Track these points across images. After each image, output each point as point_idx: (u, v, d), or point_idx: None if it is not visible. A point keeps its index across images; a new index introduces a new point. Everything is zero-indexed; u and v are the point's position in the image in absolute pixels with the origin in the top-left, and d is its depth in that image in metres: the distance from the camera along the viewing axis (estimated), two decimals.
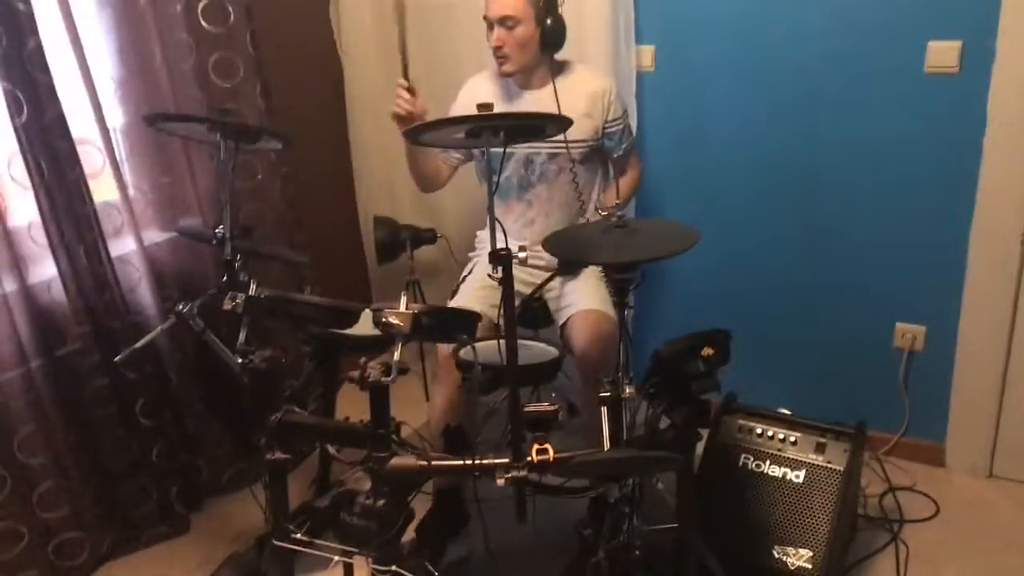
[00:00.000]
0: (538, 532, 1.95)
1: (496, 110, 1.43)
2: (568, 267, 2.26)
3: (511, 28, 2.10)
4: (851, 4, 2.26)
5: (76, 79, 2.13)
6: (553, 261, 2.19)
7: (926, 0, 2.16)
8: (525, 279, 2.27)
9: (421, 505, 1.62)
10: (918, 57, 2.21)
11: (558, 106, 2.16)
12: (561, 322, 2.22)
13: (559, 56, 2.23)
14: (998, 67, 2.11)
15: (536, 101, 2.21)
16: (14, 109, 1.96)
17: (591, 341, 2.07)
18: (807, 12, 2.32)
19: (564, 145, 2.19)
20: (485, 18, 2.14)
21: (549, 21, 2.12)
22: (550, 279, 2.20)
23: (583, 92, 2.21)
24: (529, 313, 2.34)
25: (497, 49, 2.14)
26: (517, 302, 2.30)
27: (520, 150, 2.22)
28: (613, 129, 2.26)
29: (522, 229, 2.27)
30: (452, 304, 2.22)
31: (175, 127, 2.11)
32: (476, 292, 2.22)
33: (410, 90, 2.12)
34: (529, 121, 1.66)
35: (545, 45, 2.15)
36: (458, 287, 2.32)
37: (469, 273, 2.35)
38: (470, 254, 2.50)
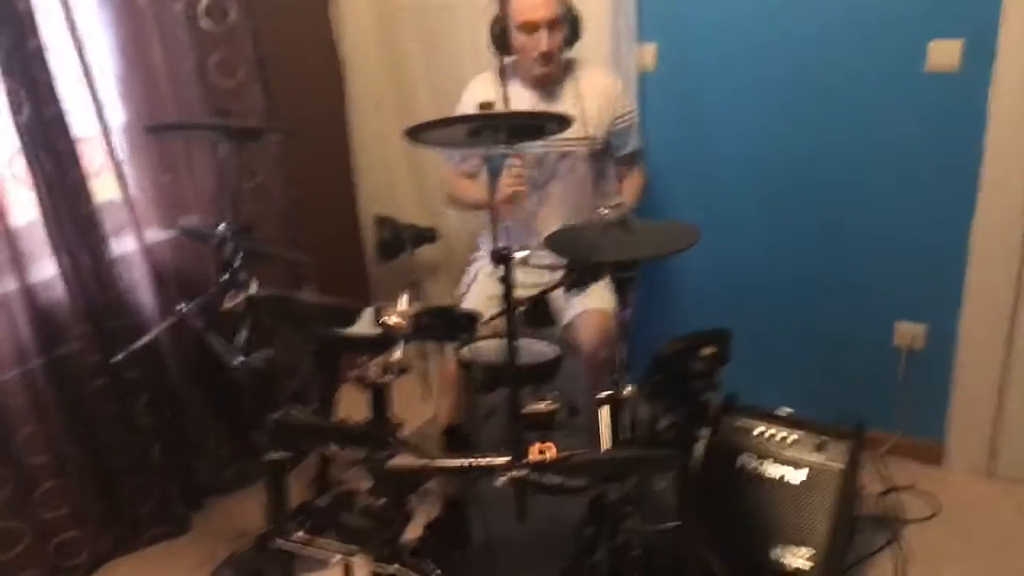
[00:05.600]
0: (538, 532, 1.95)
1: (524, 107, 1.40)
2: (576, 284, 2.24)
3: (556, 29, 2.06)
4: (852, 4, 2.26)
5: (77, 78, 2.12)
6: (558, 260, 2.19)
7: (926, 0, 2.16)
8: (531, 283, 2.26)
9: (421, 508, 1.62)
10: (918, 57, 2.20)
11: (580, 105, 2.14)
12: (565, 321, 2.21)
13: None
14: (999, 66, 2.11)
15: (560, 100, 2.19)
16: (15, 108, 1.96)
17: (597, 341, 2.07)
18: (808, 12, 2.32)
19: (574, 143, 2.18)
20: (526, 23, 2.06)
21: (573, 13, 2.10)
22: (555, 288, 2.16)
23: (596, 89, 2.21)
24: (530, 312, 2.34)
25: (547, 55, 2.07)
26: (522, 310, 2.29)
27: (533, 149, 2.22)
28: (621, 125, 2.26)
29: (535, 228, 2.27)
30: None
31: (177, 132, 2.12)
32: (484, 303, 2.16)
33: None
34: (529, 121, 1.66)
35: (567, 42, 2.14)
36: (463, 296, 2.28)
37: (473, 281, 2.30)
38: (473, 255, 2.49)
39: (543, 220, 2.27)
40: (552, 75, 2.16)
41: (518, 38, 2.11)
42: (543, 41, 2.06)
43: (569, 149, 2.21)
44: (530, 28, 2.07)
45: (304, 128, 2.11)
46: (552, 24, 2.05)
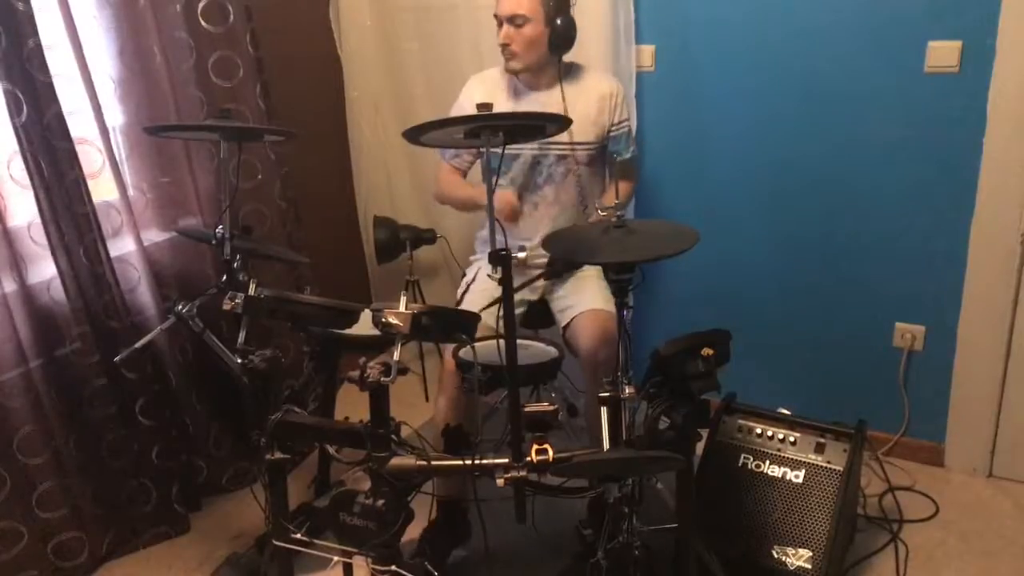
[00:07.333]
0: (538, 532, 1.95)
1: (500, 108, 1.42)
2: (558, 271, 2.25)
3: (520, 26, 2.11)
4: (851, 4, 2.26)
5: (76, 79, 2.12)
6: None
7: (926, 0, 2.17)
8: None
9: (421, 507, 1.62)
10: (918, 57, 2.21)
11: (564, 108, 2.15)
12: (564, 323, 2.21)
13: (567, 58, 2.23)
14: (998, 67, 2.11)
15: (543, 103, 2.21)
16: (14, 109, 1.95)
17: (597, 341, 2.06)
18: (807, 12, 2.32)
19: (571, 147, 2.18)
20: (495, 15, 2.14)
21: (559, 21, 2.12)
22: (535, 279, 2.16)
23: (593, 94, 2.22)
24: (530, 313, 2.34)
25: (504, 46, 2.14)
26: (522, 311, 2.30)
27: (527, 151, 2.22)
28: (618, 132, 2.26)
29: (528, 231, 2.26)
30: None
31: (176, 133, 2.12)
32: (482, 306, 2.17)
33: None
34: (528, 121, 1.66)
35: (553, 46, 2.15)
36: (461, 298, 2.28)
37: (472, 281, 2.29)
38: (471, 258, 2.49)
39: (537, 222, 2.27)
40: (521, 71, 2.19)
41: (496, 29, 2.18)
42: (501, 34, 2.13)
43: (565, 152, 2.21)
44: (498, 21, 2.14)
45: (303, 129, 2.11)
46: (514, 20, 2.11)
